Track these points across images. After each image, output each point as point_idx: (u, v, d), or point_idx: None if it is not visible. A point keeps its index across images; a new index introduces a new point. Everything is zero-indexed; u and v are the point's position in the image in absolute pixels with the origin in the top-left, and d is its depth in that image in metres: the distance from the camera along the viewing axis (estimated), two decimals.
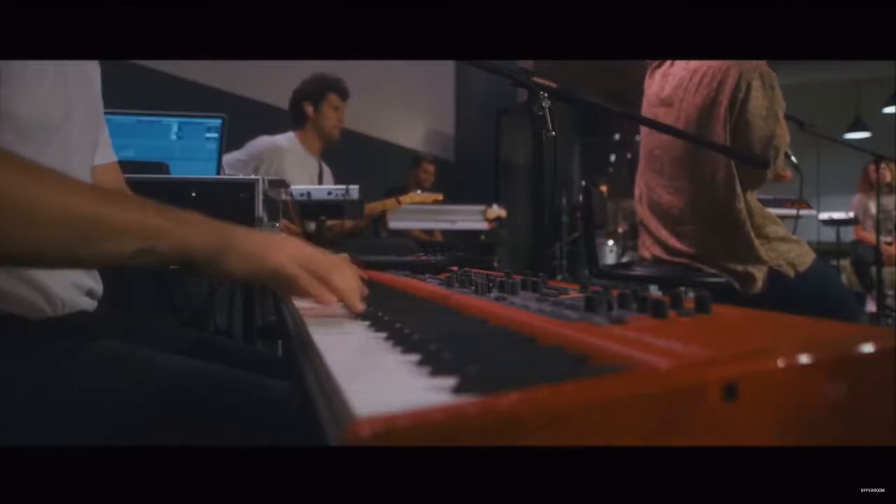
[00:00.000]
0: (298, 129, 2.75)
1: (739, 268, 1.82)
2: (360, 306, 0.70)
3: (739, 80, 1.78)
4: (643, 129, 2.15)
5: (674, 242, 1.98)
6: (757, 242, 1.82)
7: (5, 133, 0.73)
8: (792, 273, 1.82)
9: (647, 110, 2.10)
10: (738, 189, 1.83)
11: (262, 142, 2.66)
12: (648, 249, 2.11)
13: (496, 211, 3.52)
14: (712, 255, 1.87)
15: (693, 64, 1.93)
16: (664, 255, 2.03)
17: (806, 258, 1.85)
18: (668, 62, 2.07)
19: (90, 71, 0.94)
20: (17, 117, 0.73)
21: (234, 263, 0.68)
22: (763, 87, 1.79)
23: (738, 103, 1.79)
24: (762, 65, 1.80)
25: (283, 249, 0.70)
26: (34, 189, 0.60)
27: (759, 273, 1.81)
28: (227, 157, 2.37)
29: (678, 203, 1.96)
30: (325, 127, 2.72)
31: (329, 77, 2.72)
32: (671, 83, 1.97)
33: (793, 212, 3.82)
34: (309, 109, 2.70)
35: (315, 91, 2.70)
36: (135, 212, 0.65)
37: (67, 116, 0.83)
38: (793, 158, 2.00)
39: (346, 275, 0.72)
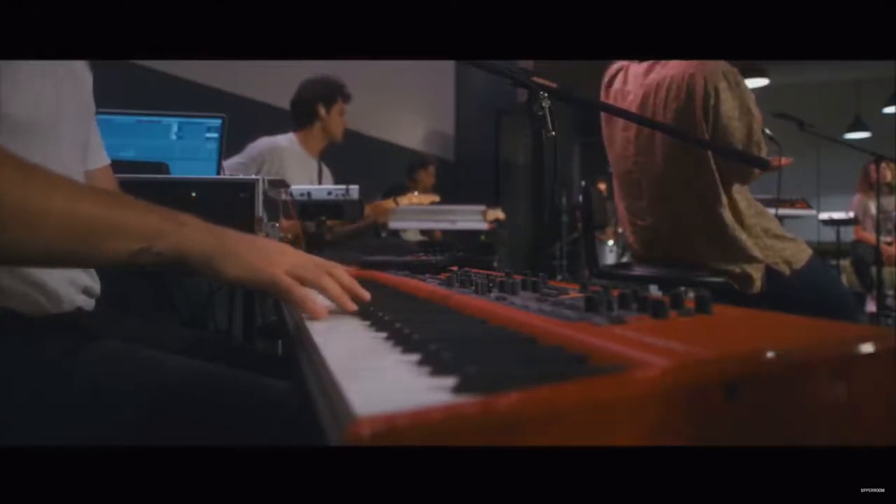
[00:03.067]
0: (299, 130, 2.75)
1: (737, 269, 1.82)
2: (351, 307, 0.72)
3: (707, 87, 1.74)
4: (614, 154, 2.10)
5: (668, 258, 1.97)
6: (750, 242, 1.81)
7: None
8: (788, 271, 1.81)
9: (614, 133, 2.06)
10: (722, 196, 1.81)
11: (262, 143, 2.66)
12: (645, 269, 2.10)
13: (494, 213, 3.52)
14: (708, 261, 1.86)
15: (652, 76, 1.88)
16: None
17: (801, 255, 1.85)
18: (621, 79, 2.01)
19: (82, 72, 0.94)
20: (8, 117, 0.73)
21: (229, 269, 0.70)
22: (730, 88, 1.76)
23: (710, 110, 1.76)
24: (723, 64, 1.76)
25: (277, 259, 0.72)
26: (38, 193, 0.62)
27: (757, 272, 1.81)
28: (228, 162, 2.37)
29: (666, 221, 1.94)
30: (334, 130, 2.76)
31: (339, 82, 2.77)
32: (636, 101, 1.92)
33: (794, 212, 3.82)
34: (322, 111, 2.73)
35: (329, 93, 2.74)
36: (134, 213, 0.67)
37: (58, 117, 0.83)
38: (767, 131, 1.92)
39: (338, 275, 0.74)
